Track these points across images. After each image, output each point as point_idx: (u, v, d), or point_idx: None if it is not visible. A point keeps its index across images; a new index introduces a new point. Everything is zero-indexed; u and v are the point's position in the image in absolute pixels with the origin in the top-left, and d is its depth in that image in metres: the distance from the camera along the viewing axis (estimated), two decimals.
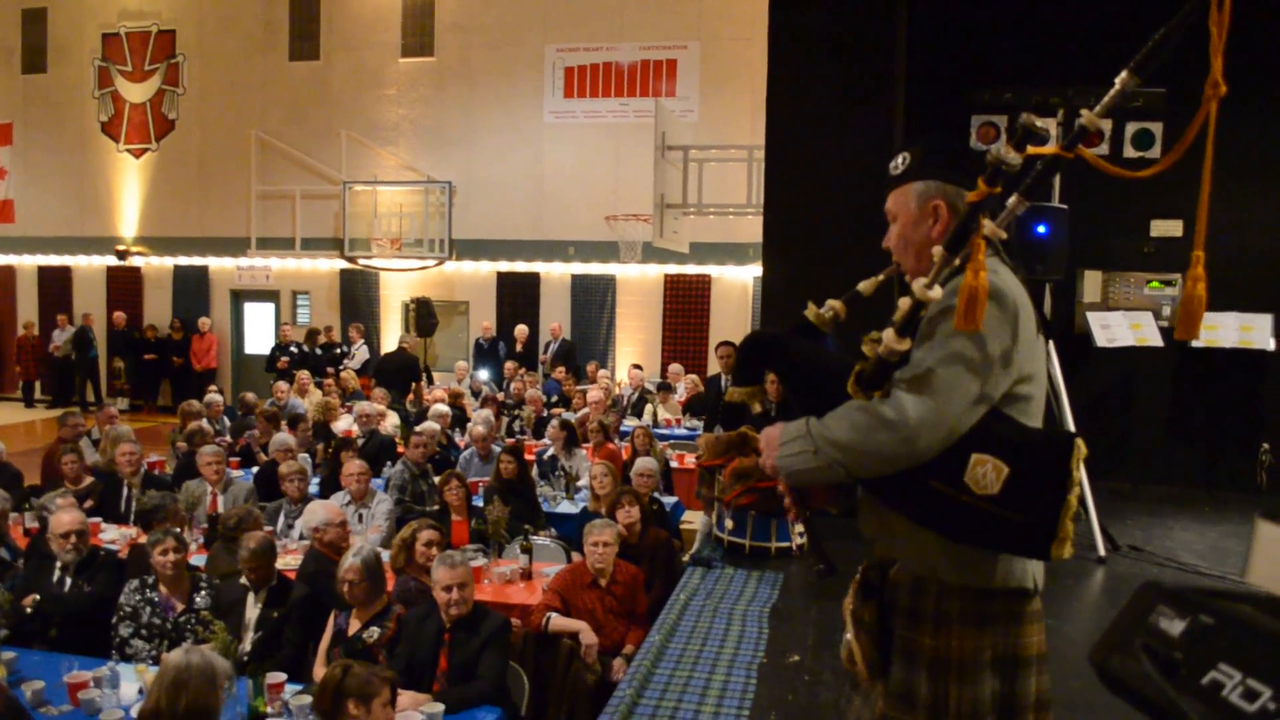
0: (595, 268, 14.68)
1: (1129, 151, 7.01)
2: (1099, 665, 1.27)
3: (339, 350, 14.49)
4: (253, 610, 4.68)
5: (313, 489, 7.17)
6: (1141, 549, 5.77)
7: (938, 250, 1.96)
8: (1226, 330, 6.89)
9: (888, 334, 1.94)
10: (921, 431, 1.89)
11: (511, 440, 9.66)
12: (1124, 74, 1.79)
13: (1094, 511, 5.58)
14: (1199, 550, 5.79)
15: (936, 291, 1.91)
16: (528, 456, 7.88)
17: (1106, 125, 6.88)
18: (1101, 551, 5.52)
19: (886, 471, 1.97)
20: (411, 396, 12.19)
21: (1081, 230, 6.64)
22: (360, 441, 8.44)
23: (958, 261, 1.92)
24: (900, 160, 2.18)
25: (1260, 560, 1.20)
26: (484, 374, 13.69)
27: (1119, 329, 6.87)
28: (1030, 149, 1.88)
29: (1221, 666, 1.13)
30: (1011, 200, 1.95)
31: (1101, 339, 6.79)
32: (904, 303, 1.94)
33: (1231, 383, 7.28)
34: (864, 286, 2.27)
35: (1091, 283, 7.43)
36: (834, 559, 2.38)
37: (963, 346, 1.90)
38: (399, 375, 12.19)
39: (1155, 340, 6.86)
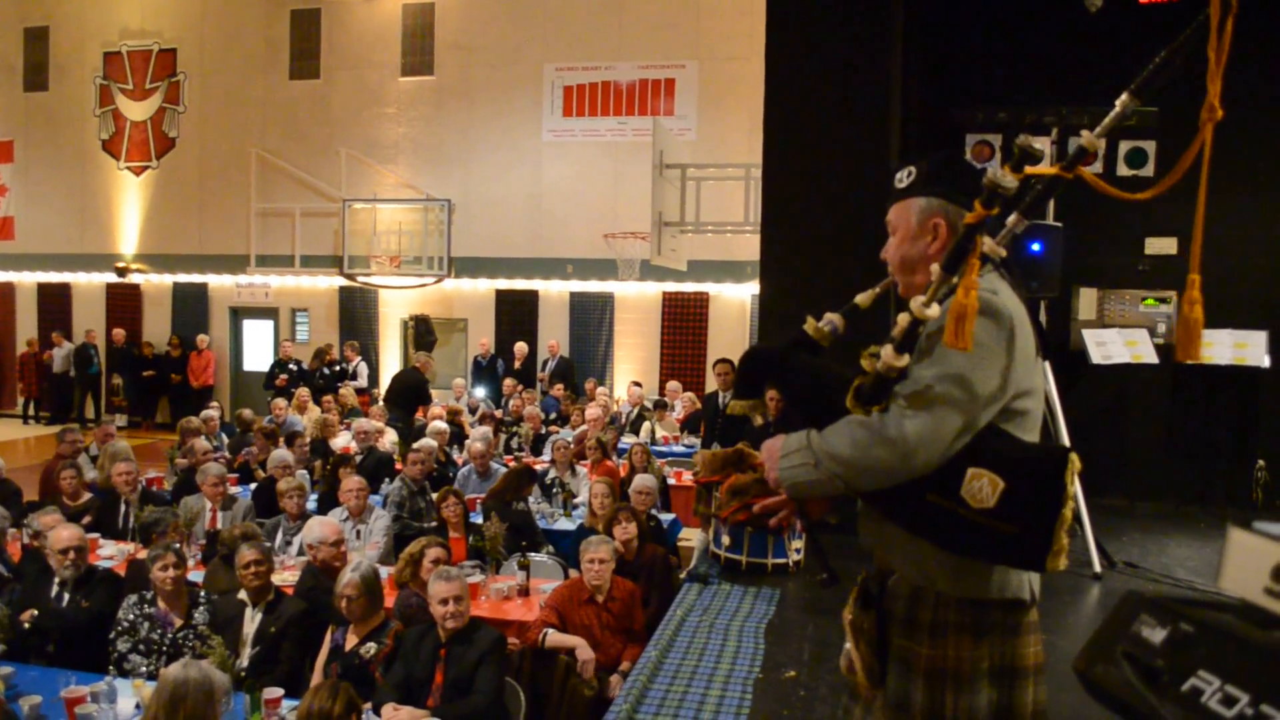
0: (594, 285, 14.71)
1: (1122, 169, 7.05)
2: (1082, 673, 1.30)
3: (340, 368, 14.46)
4: (250, 625, 4.68)
5: (311, 505, 7.17)
6: (1137, 565, 5.78)
7: (935, 269, 1.99)
8: (1221, 347, 6.91)
9: (886, 350, 1.97)
10: (919, 448, 1.92)
11: (511, 458, 9.67)
12: (1124, 96, 1.83)
13: (1090, 528, 5.59)
14: (1194, 566, 5.80)
15: (934, 309, 1.94)
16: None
17: (1099, 142, 6.92)
18: (1097, 568, 5.53)
19: (884, 485, 2.00)
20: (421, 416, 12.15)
21: (1076, 248, 6.67)
22: (358, 458, 8.45)
23: (955, 280, 1.95)
24: (905, 174, 2.21)
25: (1232, 567, 1.23)
26: (480, 391, 13.69)
27: (1114, 346, 6.88)
28: (1028, 170, 1.91)
29: (1201, 673, 1.16)
30: (1011, 219, 1.98)
31: (1097, 356, 6.80)
32: (902, 319, 1.98)
33: (1227, 399, 7.30)
34: (861, 299, 2.31)
35: (1087, 300, 7.46)
36: (836, 570, 2.41)
37: (960, 363, 1.93)
38: (404, 395, 12.03)
39: (1151, 357, 6.88)
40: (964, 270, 1.90)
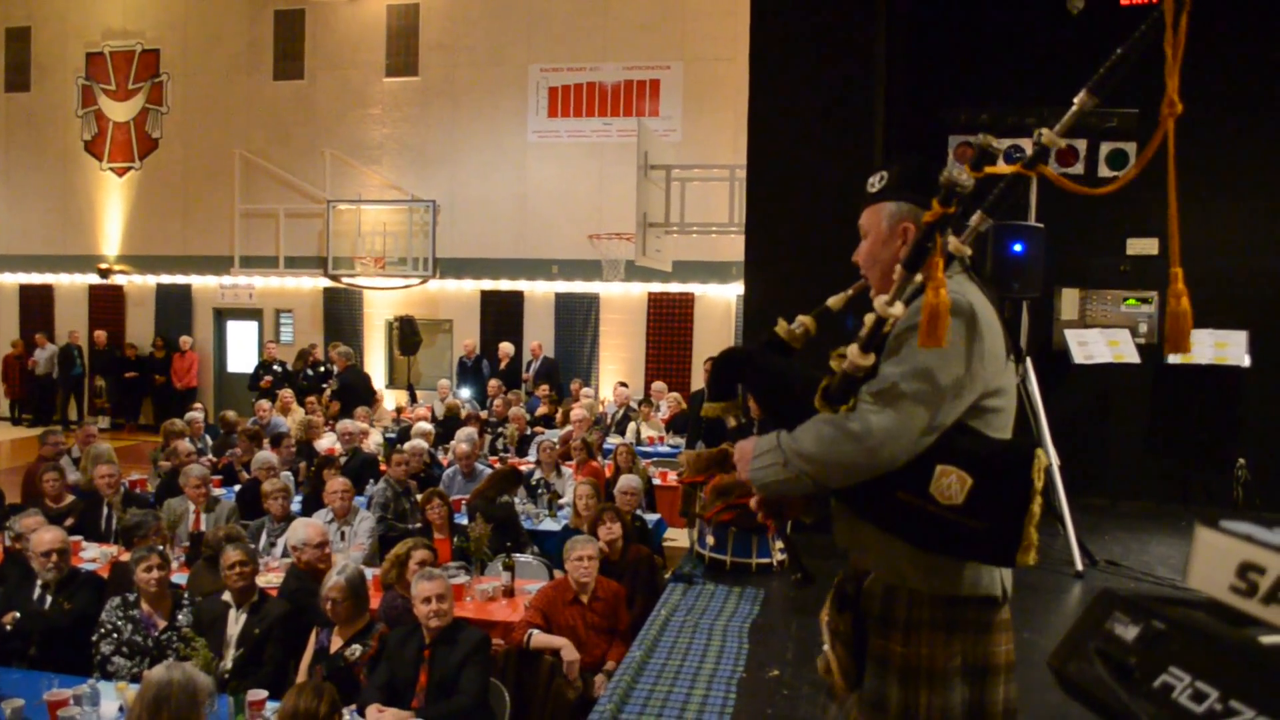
0: (579, 286, 14.71)
1: (1104, 171, 7.08)
2: (1057, 670, 1.31)
3: (325, 369, 14.38)
4: (234, 626, 4.67)
5: (295, 507, 7.15)
6: (1119, 564, 5.82)
7: (899, 268, 2.02)
8: (1202, 347, 6.96)
9: (852, 350, 2.00)
10: (885, 443, 1.94)
11: (496, 459, 9.66)
12: (1082, 94, 1.85)
13: (1071, 526, 5.62)
14: (1175, 565, 5.83)
15: (898, 308, 1.96)
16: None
17: (1081, 144, 6.96)
18: (1079, 566, 5.57)
19: (852, 481, 2.02)
20: (396, 414, 12.13)
21: (1058, 249, 6.70)
22: (343, 459, 8.44)
23: (920, 279, 1.97)
24: (877, 179, 2.24)
25: (1199, 564, 1.25)
26: (465, 392, 13.67)
27: (1096, 346, 6.92)
28: (988, 169, 1.94)
29: (1172, 670, 1.17)
30: (975, 217, 2.01)
31: (1079, 356, 6.85)
32: (869, 319, 2.00)
33: (1207, 399, 7.36)
34: (833, 302, 2.33)
35: (1069, 300, 7.50)
36: (812, 571, 2.42)
37: (927, 362, 1.95)
38: (364, 395, 11.96)
39: (1132, 357, 6.92)
40: (929, 269, 1.92)
